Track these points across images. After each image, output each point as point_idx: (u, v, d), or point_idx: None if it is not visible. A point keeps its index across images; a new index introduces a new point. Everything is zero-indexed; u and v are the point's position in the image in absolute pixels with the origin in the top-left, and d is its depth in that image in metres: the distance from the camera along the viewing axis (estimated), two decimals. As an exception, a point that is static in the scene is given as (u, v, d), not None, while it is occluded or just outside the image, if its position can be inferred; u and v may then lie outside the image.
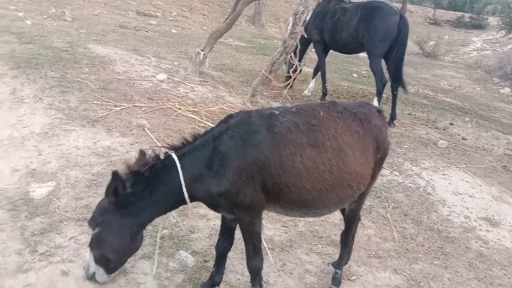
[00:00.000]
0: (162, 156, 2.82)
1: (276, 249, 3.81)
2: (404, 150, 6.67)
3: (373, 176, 3.10)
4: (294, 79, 7.94)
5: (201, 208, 4.11)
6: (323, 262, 3.77)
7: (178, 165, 2.70)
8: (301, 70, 8.07)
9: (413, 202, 5.08)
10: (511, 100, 13.03)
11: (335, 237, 4.15)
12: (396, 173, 5.75)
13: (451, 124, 8.88)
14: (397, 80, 7.76)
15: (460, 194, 5.52)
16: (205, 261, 3.47)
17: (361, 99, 9.54)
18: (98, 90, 6.38)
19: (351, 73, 12.32)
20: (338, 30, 7.78)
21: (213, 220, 4.02)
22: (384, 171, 5.74)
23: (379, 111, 3.20)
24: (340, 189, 2.83)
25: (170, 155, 2.76)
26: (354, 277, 3.66)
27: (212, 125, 6.15)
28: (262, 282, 3.08)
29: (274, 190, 2.73)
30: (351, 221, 3.33)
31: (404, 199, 5.08)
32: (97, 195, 3.98)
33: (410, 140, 7.20)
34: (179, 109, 6.45)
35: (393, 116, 7.79)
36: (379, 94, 7.53)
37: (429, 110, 9.76)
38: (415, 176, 5.76)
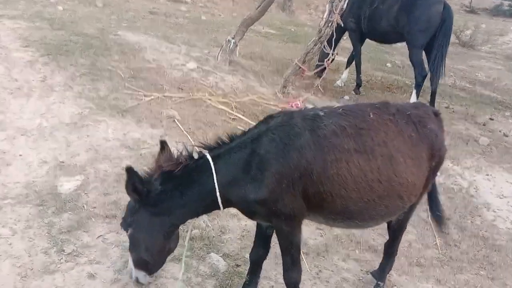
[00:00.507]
0: (195, 155, 2.61)
1: (311, 254, 3.61)
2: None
3: (426, 186, 2.84)
4: (325, 69, 7.62)
5: (232, 207, 3.94)
6: (361, 270, 3.55)
7: (213, 167, 2.51)
8: (333, 59, 7.76)
9: (456, 205, 4.78)
10: (556, 92, 12.34)
11: (374, 242, 3.92)
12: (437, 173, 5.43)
13: (491, 119, 8.43)
14: (437, 71, 7.37)
15: (506, 197, 5.18)
16: (237, 265, 3.30)
17: (396, 91, 9.19)
18: (128, 79, 6.25)
19: (385, 62, 11.87)
20: (377, 19, 7.41)
21: (244, 220, 3.84)
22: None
23: (436, 114, 2.92)
24: (389, 201, 2.58)
25: (205, 156, 2.57)
26: (395, 288, 3.44)
27: (243, 117, 6.22)
28: None
29: (316, 199, 2.52)
30: (397, 232, 3.09)
31: (446, 202, 4.78)
32: (126, 191, 3.85)
33: (450, 136, 6.82)
34: (209, 99, 6.27)
35: (431, 110, 7.43)
36: (418, 87, 7.17)
37: (468, 103, 9.30)
38: (457, 176, 5.43)
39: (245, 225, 3.79)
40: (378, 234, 3.99)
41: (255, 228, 3.69)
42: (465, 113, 8.49)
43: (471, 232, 4.38)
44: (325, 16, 6.79)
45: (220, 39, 9.65)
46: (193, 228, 3.55)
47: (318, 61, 7.49)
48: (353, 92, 8.27)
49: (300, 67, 7.00)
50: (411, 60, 7.33)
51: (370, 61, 11.62)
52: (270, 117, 2.66)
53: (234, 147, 2.56)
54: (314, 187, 2.48)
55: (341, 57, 10.13)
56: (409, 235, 4.11)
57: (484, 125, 7.97)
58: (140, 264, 2.65)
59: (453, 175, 5.42)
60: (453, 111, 8.50)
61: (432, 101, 7.40)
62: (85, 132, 4.69)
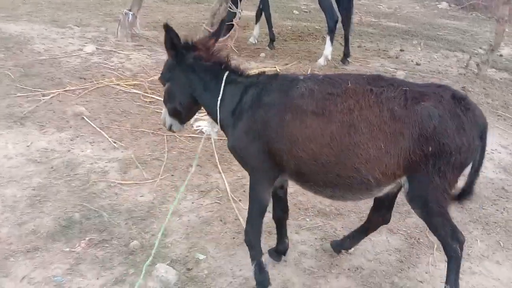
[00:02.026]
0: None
1: (263, 235, 3.42)
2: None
3: (407, 169, 2.46)
4: (232, 26, 7.24)
5: (170, 202, 3.61)
6: (316, 239, 3.44)
7: (222, 85, 2.75)
8: (240, 17, 7.40)
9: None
10: (451, 15, 13.04)
11: (321, 205, 3.83)
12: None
13: (401, 50, 8.68)
14: (348, 14, 7.31)
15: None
16: (188, 269, 3.01)
17: (308, 38, 9.08)
18: (19, 79, 5.48)
19: (291, 10, 11.70)
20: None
21: (186, 215, 3.55)
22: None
23: (456, 97, 2.45)
24: (341, 170, 2.44)
25: (225, 73, 2.77)
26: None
27: (160, 98, 5.75)
28: (265, 267, 2.84)
29: (278, 157, 2.59)
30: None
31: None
32: (45, 214, 3.36)
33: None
34: (118, 84, 5.71)
35: (346, 54, 7.42)
36: (331, 32, 7.07)
37: (377, 38, 9.49)
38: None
39: (188, 220, 3.50)
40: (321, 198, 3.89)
41: (199, 223, 3.47)
42: (377, 49, 8.65)
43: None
44: (224, -27, 6.33)
45: (116, 12, 8.84)
46: (131, 239, 3.22)
47: (226, 22, 7.02)
48: (267, 48, 8.01)
49: (209, 31, 6.56)
50: (320, 5, 7.17)
51: (277, 10, 11.37)
52: (262, 73, 2.85)
53: (238, 82, 2.76)
54: (274, 144, 2.57)
55: (248, 12, 9.79)
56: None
57: (397, 58, 8.17)
58: (174, 113, 2.95)
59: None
60: (365, 49, 8.61)
61: (346, 45, 7.37)
62: (-21, 153, 4.03)
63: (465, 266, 3.22)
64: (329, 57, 7.25)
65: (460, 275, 2.69)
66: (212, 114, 2.85)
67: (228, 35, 7.28)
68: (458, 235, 2.59)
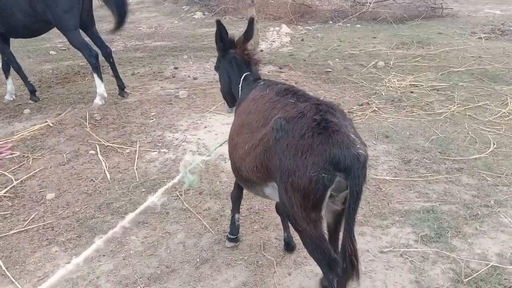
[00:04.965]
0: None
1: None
2: (154, 119, 6.04)
3: (264, 178, 2.51)
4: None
5: None
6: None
7: (241, 81, 3.20)
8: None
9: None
10: (208, 23, 13.69)
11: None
12: (171, 152, 5.14)
13: (175, 68, 8.64)
14: (104, 45, 6.84)
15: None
16: None
17: (76, 79, 8.25)
18: None
19: (47, 51, 10.52)
20: (10, 14, 6.09)
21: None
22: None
23: (316, 117, 2.21)
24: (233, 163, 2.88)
25: (247, 74, 3.21)
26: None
27: None
28: (237, 220, 3.47)
29: None
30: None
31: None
32: None
33: (152, 104, 6.60)
34: None
35: (121, 86, 6.97)
36: (96, 69, 6.48)
37: (148, 61, 9.27)
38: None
39: None
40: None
41: None
42: (152, 72, 8.41)
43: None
44: None
45: None
46: None
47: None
48: (31, 101, 6.93)
49: None
50: (73, 45, 6.50)
51: (30, 55, 10.09)
52: (263, 80, 3.12)
53: (250, 82, 3.14)
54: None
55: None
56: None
57: (173, 77, 8.07)
58: (223, 96, 3.56)
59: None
60: (140, 75, 8.29)
61: (117, 77, 6.92)
62: None
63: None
64: (105, 95, 6.68)
65: None
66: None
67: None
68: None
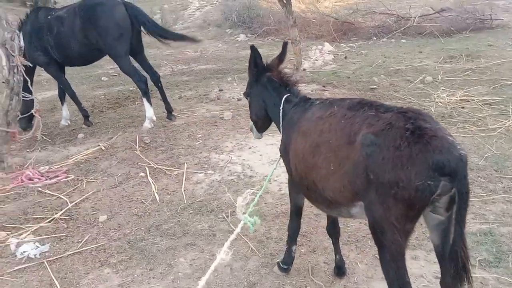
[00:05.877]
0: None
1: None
2: (200, 141, 6.16)
3: (351, 198, 2.45)
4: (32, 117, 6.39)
5: None
6: None
7: (282, 103, 3.16)
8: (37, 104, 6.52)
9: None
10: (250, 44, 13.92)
11: None
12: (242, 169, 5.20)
13: (220, 90, 8.78)
14: (153, 70, 7.09)
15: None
16: None
17: (126, 103, 8.59)
18: None
19: (99, 77, 11.04)
20: (65, 44, 6.48)
21: None
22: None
23: (408, 126, 2.18)
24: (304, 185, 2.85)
25: (288, 96, 3.18)
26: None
27: None
28: (294, 251, 3.37)
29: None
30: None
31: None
32: None
33: (198, 126, 6.74)
34: None
35: (169, 109, 7.16)
36: (146, 94, 6.71)
37: (195, 84, 9.49)
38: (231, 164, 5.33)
39: None
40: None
41: None
42: (198, 95, 8.60)
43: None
44: (4, 64, 5.48)
45: None
46: None
47: (21, 114, 6.01)
48: (84, 126, 7.27)
49: (7, 132, 5.61)
50: (123, 71, 6.79)
51: (84, 82, 10.62)
52: (307, 97, 3.12)
53: (298, 104, 3.08)
54: (289, 156, 3.01)
55: (50, 92, 8.85)
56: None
57: (218, 99, 8.21)
58: (254, 122, 3.51)
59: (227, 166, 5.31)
60: (187, 98, 8.49)
61: (165, 101, 7.13)
62: None
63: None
64: (154, 118, 6.89)
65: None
66: (277, 125, 3.24)
67: (33, 127, 6.38)
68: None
